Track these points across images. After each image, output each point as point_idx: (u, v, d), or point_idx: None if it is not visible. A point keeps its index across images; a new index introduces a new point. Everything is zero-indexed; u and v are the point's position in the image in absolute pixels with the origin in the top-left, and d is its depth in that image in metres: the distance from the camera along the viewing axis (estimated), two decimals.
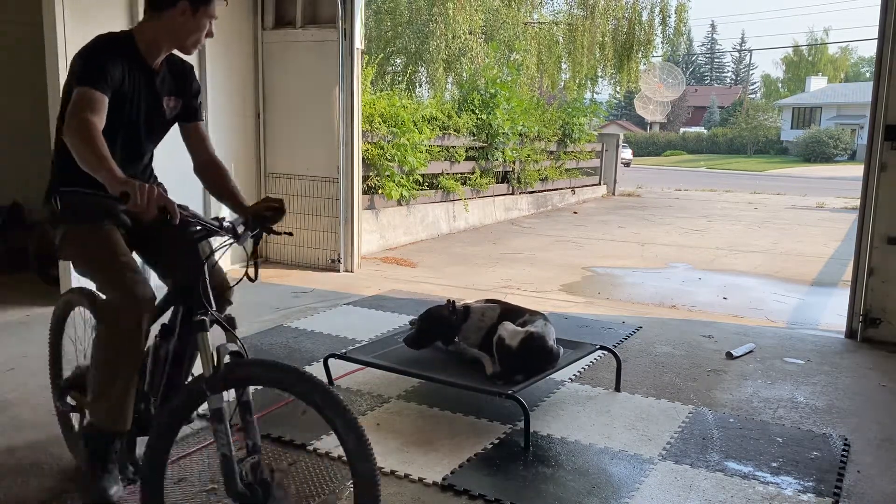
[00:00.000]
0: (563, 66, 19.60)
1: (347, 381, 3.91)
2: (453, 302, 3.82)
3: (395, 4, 17.82)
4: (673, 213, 13.13)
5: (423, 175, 9.01)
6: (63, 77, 4.94)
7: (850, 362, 4.54)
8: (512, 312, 3.74)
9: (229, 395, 2.19)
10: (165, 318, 2.48)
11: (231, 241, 2.29)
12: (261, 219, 2.34)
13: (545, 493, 2.82)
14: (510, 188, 11.56)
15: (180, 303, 2.42)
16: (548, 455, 3.15)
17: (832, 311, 5.80)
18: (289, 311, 5.31)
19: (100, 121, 2.22)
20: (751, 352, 4.66)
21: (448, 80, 17.77)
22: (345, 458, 2.10)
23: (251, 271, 2.25)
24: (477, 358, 3.62)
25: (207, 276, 2.30)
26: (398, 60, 18.51)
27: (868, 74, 50.64)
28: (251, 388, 2.21)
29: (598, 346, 4.02)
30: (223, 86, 6.40)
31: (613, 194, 15.68)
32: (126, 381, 2.36)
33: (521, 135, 11.31)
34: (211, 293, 2.28)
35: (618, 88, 21.23)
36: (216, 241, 2.35)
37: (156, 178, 2.71)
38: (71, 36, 4.98)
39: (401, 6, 17.81)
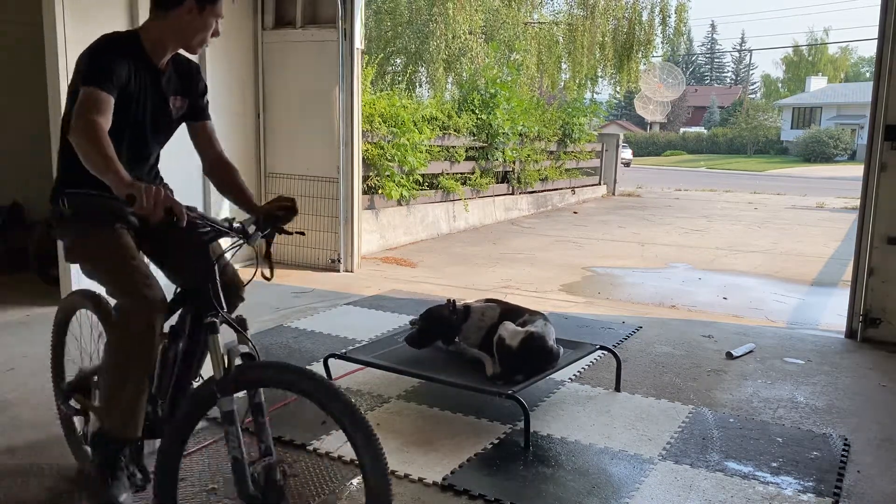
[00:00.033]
0: (563, 66, 19.60)
1: (347, 381, 3.91)
2: (454, 301, 3.82)
3: (395, 4, 17.82)
4: (673, 213, 13.13)
5: (423, 175, 9.01)
6: (63, 77, 4.96)
7: (850, 362, 4.54)
8: (512, 312, 3.74)
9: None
10: (173, 319, 2.46)
11: (241, 241, 2.26)
12: (272, 218, 2.31)
13: (545, 493, 2.82)
14: (510, 188, 11.56)
15: (190, 304, 2.39)
16: (548, 455, 3.15)
17: (832, 311, 5.80)
18: (289, 311, 5.31)
19: (106, 121, 2.19)
20: (751, 352, 4.66)
21: (448, 80, 17.77)
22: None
23: (266, 271, 2.22)
24: (477, 358, 3.62)
25: (218, 277, 2.27)
26: (398, 60, 18.51)
27: (868, 74, 50.65)
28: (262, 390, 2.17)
29: (598, 346, 4.02)
30: (223, 86, 6.40)
31: (613, 194, 15.68)
32: (137, 386, 2.32)
33: (521, 135, 11.31)
34: (222, 293, 2.25)
35: (618, 88, 21.23)
36: (226, 242, 2.32)
37: (161, 179, 2.68)
38: (71, 36, 4.98)
39: (401, 6, 17.81)
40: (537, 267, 7.56)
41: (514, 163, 11.32)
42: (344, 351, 3.97)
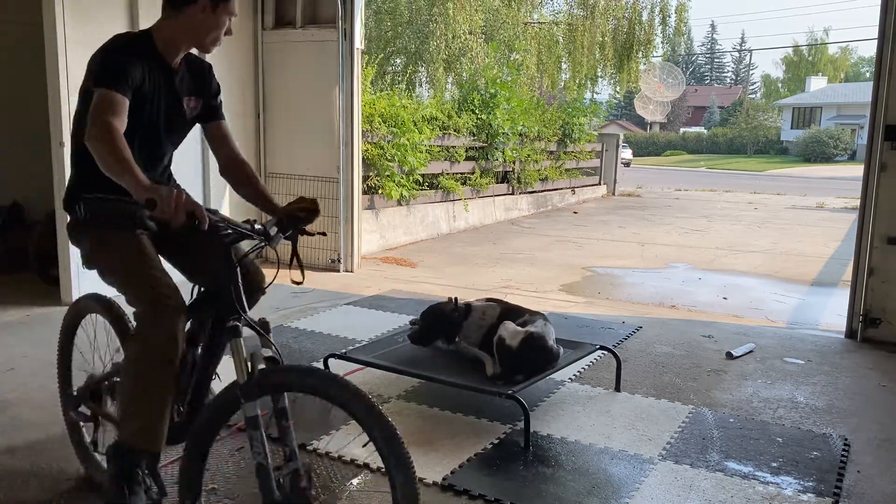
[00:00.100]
0: (563, 66, 19.61)
1: None
2: (456, 298, 3.82)
3: (395, 4, 17.82)
4: (673, 213, 13.13)
5: (423, 175, 9.01)
6: (63, 77, 4.96)
7: (850, 362, 4.54)
8: (512, 312, 3.74)
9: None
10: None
11: (263, 244, 2.22)
12: (294, 219, 2.25)
13: (545, 493, 2.82)
14: (510, 188, 11.56)
15: (211, 307, 2.35)
16: (548, 455, 3.15)
17: (832, 311, 5.80)
18: (289, 311, 5.31)
19: (121, 124, 2.15)
20: (751, 352, 4.66)
21: (448, 80, 17.78)
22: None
23: (296, 274, 2.17)
24: (477, 357, 3.62)
25: (240, 280, 2.23)
26: (398, 60, 18.51)
27: (868, 74, 50.66)
28: (286, 395, 2.12)
29: (598, 346, 4.02)
30: (223, 86, 6.35)
31: (613, 194, 15.68)
32: (161, 398, 2.25)
33: (521, 135, 11.32)
34: (243, 292, 2.21)
35: (618, 88, 21.24)
36: (246, 244, 2.27)
37: (174, 180, 2.63)
38: (71, 36, 4.99)
39: (401, 6, 17.81)
40: (537, 267, 7.56)
41: (514, 163, 11.32)
42: (344, 351, 3.96)
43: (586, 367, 4.22)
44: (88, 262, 2.43)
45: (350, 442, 3.08)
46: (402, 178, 8.50)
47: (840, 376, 4.27)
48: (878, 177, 4.77)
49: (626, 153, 28.22)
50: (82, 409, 2.71)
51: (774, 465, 3.10)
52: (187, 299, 2.37)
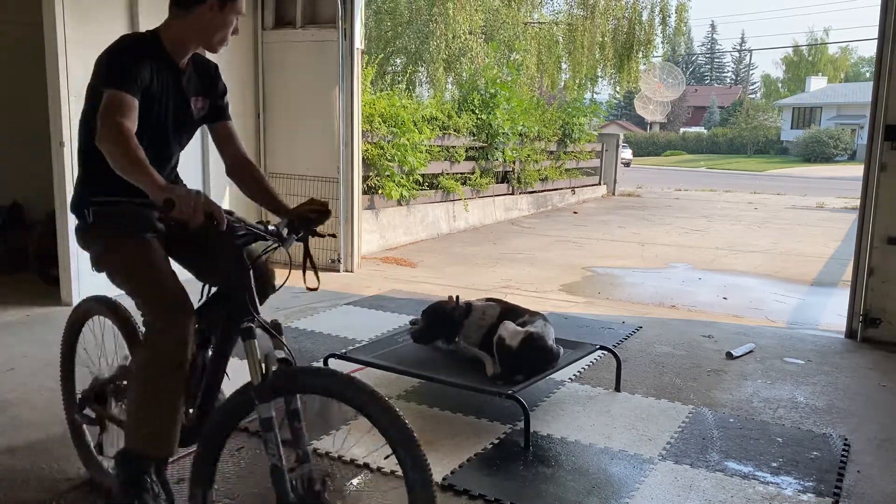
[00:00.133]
0: (563, 66, 19.60)
1: None
2: (457, 297, 3.82)
3: (395, 4, 17.82)
4: (673, 213, 13.13)
5: (423, 175, 9.01)
6: (63, 77, 4.96)
7: (850, 362, 4.54)
8: (511, 312, 3.74)
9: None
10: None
11: (276, 245, 2.21)
12: (305, 221, 2.24)
13: (545, 493, 2.82)
14: (510, 188, 11.56)
15: (222, 308, 2.33)
16: (548, 455, 3.15)
17: (832, 311, 5.80)
18: (289, 311, 5.31)
19: (132, 124, 2.14)
20: (751, 352, 4.66)
21: (448, 80, 17.78)
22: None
23: (310, 280, 2.15)
24: (477, 357, 3.62)
25: (253, 282, 2.21)
26: (398, 60, 18.52)
27: (868, 74, 50.65)
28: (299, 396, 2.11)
29: (598, 346, 4.02)
30: None
31: (613, 194, 15.68)
32: (171, 403, 2.23)
33: (521, 135, 11.32)
34: (255, 291, 2.19)
35: (618, 88, 21.25)
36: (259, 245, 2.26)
37: (181, 181, 2.61)
38: (71, 36, 4.99)
39: (401, 6, 17.81)
40: (537, 267, 7.56)
41: (514, 163, 11.32)
42: (344, 351, 3.96)
43: (586, 367, 4.22)
44: (97, 266, 2.41)
45: (353, 445, 3.08)
46: (402, 178, 8.50)
47: (840, 376, 4.27)
48: (878, 177, 4.78)
49: (626, 153, 28.22)
50: (87, 411, 2.69)
51: (774, 465, 3.10)
52: (196, 299, 2.36)
